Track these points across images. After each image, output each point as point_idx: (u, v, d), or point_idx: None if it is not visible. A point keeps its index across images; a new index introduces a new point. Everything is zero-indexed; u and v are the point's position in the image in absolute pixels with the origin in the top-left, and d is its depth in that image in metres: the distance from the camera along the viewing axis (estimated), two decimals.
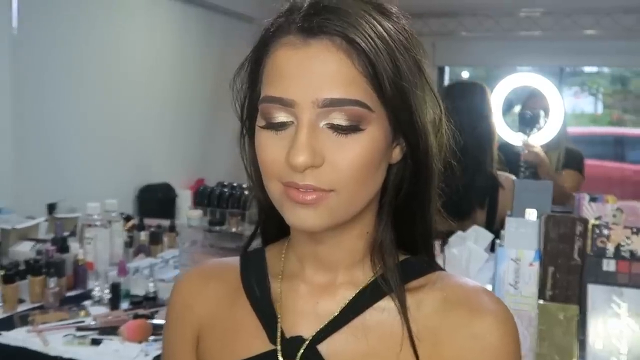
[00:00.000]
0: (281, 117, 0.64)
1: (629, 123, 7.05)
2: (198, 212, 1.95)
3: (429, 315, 0.70)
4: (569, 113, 5.83)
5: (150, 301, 1.97)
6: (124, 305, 1.98)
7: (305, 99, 0.62)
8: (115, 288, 1.96)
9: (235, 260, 0.81)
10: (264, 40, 0.67)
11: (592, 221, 1.65)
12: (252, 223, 1.99)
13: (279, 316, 0.72)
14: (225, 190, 2.00)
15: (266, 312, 0.73)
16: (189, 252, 1.96)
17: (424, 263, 0.75)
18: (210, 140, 4.32)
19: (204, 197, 1.97)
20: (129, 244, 2.46)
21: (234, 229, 1.90)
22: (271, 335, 0.72)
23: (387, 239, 0.72)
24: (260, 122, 0.66)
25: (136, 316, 1.83)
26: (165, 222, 2.69)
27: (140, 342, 1.69)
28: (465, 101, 2.33)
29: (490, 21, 5.07)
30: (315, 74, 0.62)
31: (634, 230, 1.61)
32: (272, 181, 0.66)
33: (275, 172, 0.65)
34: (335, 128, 0.62)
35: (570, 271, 1.62)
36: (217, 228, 1.90)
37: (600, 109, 7.50)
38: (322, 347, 0.70)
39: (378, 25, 0.64)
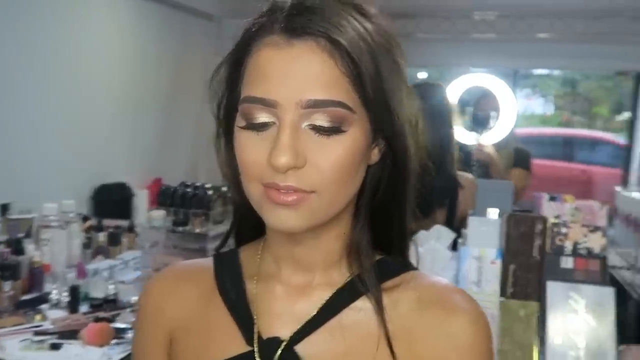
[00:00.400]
0: (262, 117, 0.63)
1: (577, 124, 7.30)
2: (161, 213, 1.92)
3: (404, 314, 0.70)
4: (520, 114, 6.01)
5: (111, 304, 1.93)
6: (83, 308, 1.94)
7: (288, 99, 0.61)
8: (74, 291, 1.92)
9: (208, 262, 0.80)
10: (245, 40, 0.67)
11: (551, 220, 1.70)
12: (216, 223, 1.97)
13: (255, 317, 0.72)
14: (189, 190, 1.98)
15: (242, 314, 0.72)
16: (151, 254, 1.93)
17: (398, 263, 0.76)
18: (168, 139, 4.25)
19: (166, 197, 1.94)
20: (87, 245, 2.40)
21: (197, 230, 1.87)
22: (247, 336, 0.71)
23: (364, 240, 0.72)
24: (240, 122, 0.65)
25: (97, 319, 1.79)
26: (124, 223, 2.64)
27: (101, 346, 1.66)
28: (427, 102, 2.37)
29: (447, 23, 5.15)
30: (299, 75, 0.62)
31: (591, 228, 1.67)
32: (252, 182, 0.65)
33: (256, 173, 0.64)
34: (318, 129, 0.62)
35: (530, 269, 1.67)
36: (181, 229, 1.88)
37: (550, 111, 7.74)
38: (300, 348, 0.69)
39: (360, 27, 0.64)
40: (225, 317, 0.73)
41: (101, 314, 1.84)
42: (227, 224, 2.07)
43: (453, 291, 0.73)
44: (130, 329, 1.72)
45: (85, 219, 2.58)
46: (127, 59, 3.91)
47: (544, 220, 1.69)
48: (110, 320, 1.80)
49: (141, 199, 3.71)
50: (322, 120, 0.62)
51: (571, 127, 7.27)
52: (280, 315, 0.72)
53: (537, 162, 3.36)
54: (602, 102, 7.24)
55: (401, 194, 0.72)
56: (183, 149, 4.16)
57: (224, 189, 2.10)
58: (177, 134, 4.15)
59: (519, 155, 3.16)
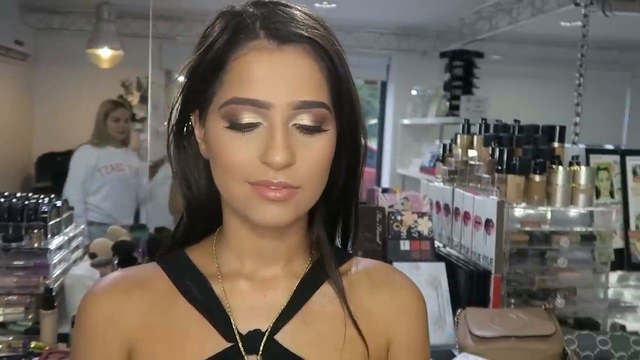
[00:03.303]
0: (249, 118, 0.67)
1: None
2: None
3: (360, 295, 0.79)
4: None
5: None
6: None
7: (281, 101, 0.67)
8: None
9: (151, 267, 0.79)
10: (224, 44, 0.70)
11: (387, 210, 1.94)
12: (54, 235, 1.80)
13: (229, 313, 0.74)
14: (15, 200, 1.75)
15: (215, 312, 0.74)
16: None
17: (342, 251, 0.85)
18: None
19: None
20: None
21: (36, 244, 1.69)
22: (226, 333, 0.73)
23: (322, 231, 0.80)
24: (222, 123, 0.68)
25: None
26: None
27: None
28: None
29: (181, 26, 5.22)
30: (290, 78, 0.68)
31: (419, 214, 1.95)
32: (238, 181, 0.68)
33: (243, 173, 0.68)
34: (303, 128, 0.69)
35: (376, 254, 1.88)
36: (15, 245, 1.67)
37: None
38: (279, 337, 0.74)
39: (326, 34, 0.72)
40: (195, 318, 0.74)
41: None
42: (64, 236, 1.89)
43: (393, 271, 0.85)
44: None
45: None
46: None
47: (382, 210, 1.93)
48: None
49: None
50: (307, 120, 0.68)
51: None
52: (252, 309, 0.75)
53: None
54: None
55: (355, 186, 0.81)
56: None
57: (52, 196, 1.91)
58: None
59: None
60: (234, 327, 0.73)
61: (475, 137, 2.06)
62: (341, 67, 0.71)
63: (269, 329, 0.74)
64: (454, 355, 1.67)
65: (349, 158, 0.78)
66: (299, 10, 0.72)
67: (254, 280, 0.76)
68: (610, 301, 1.92)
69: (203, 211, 0.79)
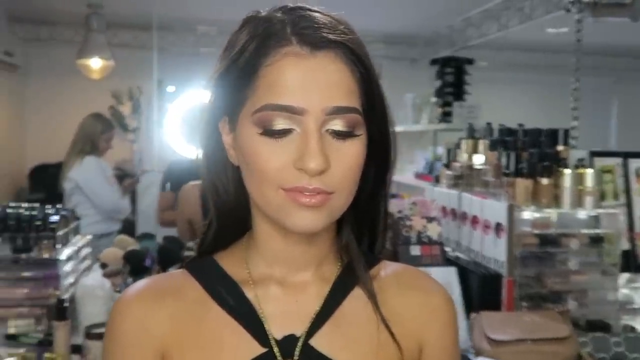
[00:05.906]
0: (282, 124, 0.67)
1: None
2: None
3: (391, 299, 0.79)
4: None
5: None
6: None
7: (316, 107, 0.67)
8: None
9: (180, 274, 0.79)
10: (255, 51, 0.69)
11: (395, 215, 1.94)
12: (63, 246, 1.77)
13: (263, 319, 0.74)
14: (22, 211, 1.73)
15: (249, 318, 0.74)
16: None
17: (370, 255, 0.83)
18: None
19: None
20: None
21: (46, 255, 1.66)
22: (261, 338, 0.73)
23: (351, 236, 0.80)
24: (255, 129, 0.68)
25: None
26: None
27: None
28: None
29: (173, 36, 5.21)
30: (324, 84, 0.67)
31: (428, 219, 1.96)
32: (272, 188, 0.68)
33: (277, 179, 0.68)
34: (336, 134, 0.69)
35: (387, 259, 1.87)
36: (24, 256, 1.64)
37: None
38: (314, 342, 0.74)
39: (358, 39, 0.72)
40: (229, 324, 0.74)
41: None
42: (73, 246, 1.87)
43: (423, 275, 0.85)
44: None
45: None
46: None
47: (391, 215, 1.93)
48: None
49: None
50: (340, 125, 0.68)
51: None
52: (287, 314, 0.75)
53: None
54: None
55: (384, 191, 0.80)
56: None
57: (59, 206, 1.88)
58: None
59: None
60: (268, 333, 0.73)
61: (480, 142, 2.08)
62: (372, 71, 0.71)
63: (303, 334, 0.73)
64: None
65: (378, 163, 0.77)
66: (325, 14, 0.71)
67: (285, 285, 0.76)
68: (619, 303, 1.94)
69: (232, 217, 0.78)
